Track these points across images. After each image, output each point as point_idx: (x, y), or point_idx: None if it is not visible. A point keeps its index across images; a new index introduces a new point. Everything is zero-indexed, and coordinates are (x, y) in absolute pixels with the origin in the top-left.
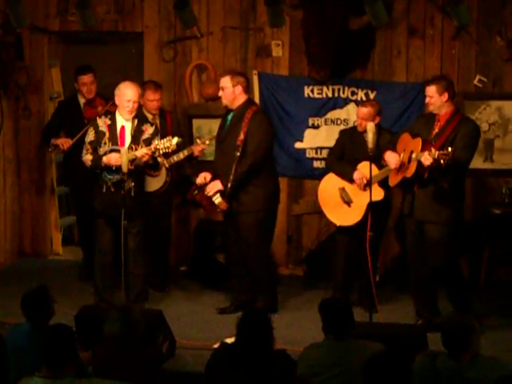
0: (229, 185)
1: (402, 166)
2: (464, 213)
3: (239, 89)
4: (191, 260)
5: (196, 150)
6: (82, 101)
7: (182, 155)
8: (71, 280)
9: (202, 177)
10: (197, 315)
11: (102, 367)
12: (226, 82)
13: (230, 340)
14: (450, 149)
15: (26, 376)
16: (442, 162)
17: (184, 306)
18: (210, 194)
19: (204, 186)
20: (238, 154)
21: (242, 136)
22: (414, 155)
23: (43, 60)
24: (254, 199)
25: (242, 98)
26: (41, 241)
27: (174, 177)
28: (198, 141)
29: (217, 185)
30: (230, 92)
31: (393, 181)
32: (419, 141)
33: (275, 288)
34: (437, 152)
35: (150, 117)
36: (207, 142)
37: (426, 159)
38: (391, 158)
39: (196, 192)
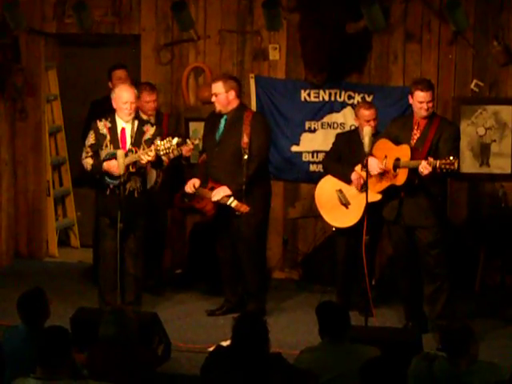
0: (243, 187)
1: (384, 173)
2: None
3: (232, 94)
4: (187, 263)
5: (184, 150)
6: None
7: (171, 155)
8: (67, 282)
9: (191, 184)
10: (192, 318)
11: (97, 369)
12: (218, 87)
13: (225, 343)
14: (451, 158)
15: (21, 377)
16: (444, 170)
17: (179, 309)
18: (217, 199)
19: (193, 193)
20: (246, 156)
21: (246, 139)
22: (402, 163)
23: (40, 62)
24: (254, 201)
25: (235, 103)
26: (37, 243)
27: (167, 177)
28: (188, 141)
29: (224, 190)
30: (224, 98)
31: (376, 188)
32: (407, 148)
33: (265, 293)
34: (438, 161)
35: (145, 119)
36: (196, 142)
37: (425, 168)
38: (374, 165)
39: (187, 200)
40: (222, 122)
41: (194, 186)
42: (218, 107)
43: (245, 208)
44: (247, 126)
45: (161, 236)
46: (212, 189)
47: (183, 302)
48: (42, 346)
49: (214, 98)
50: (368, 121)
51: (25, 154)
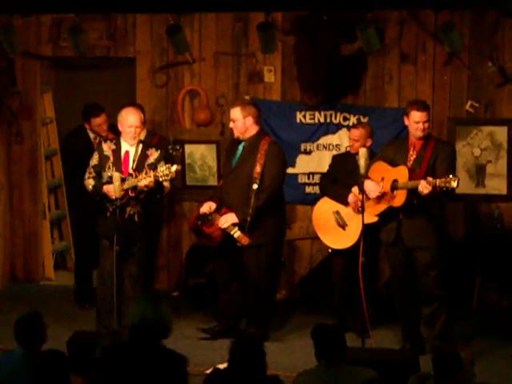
0: (248, 218)
1: (382, 196)
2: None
3: (250, 120)
4: (183, 285)
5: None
6: (91, 135)
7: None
8: (63, 305)
9: (207, 206)
10: (189, 341)
11: None
12: (236, 113)
13: (222, 365)
14: (451, 176)
15: None
16: (444, 188)
17: (176, 332)
18: (224, 226)
19: (208, 215)
20: (256, 186)
21: (258, 168)
22: (401, 184)
23: (35, 85)
24: (265, 232)
25: (253, 130)
26: (33, 266)
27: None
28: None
29: (232, 217)
30: (241, 124)
31: (374, 210)
32: (405, 169)
33: (270, 318)
34: (437, 180)
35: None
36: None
37: (425, 187)
38: (372, 188)
39: (199, 222)
40: (240, 148)
41: (209, 208)
42: (236, 133)
43: (245, 240)
44: (262, 156)
45: (152, 258)
46: (223, 215)
47: (180, 325)
48: (40, 370)
49: (231, 124)
50: (356, 140)
51: (21, 178)
